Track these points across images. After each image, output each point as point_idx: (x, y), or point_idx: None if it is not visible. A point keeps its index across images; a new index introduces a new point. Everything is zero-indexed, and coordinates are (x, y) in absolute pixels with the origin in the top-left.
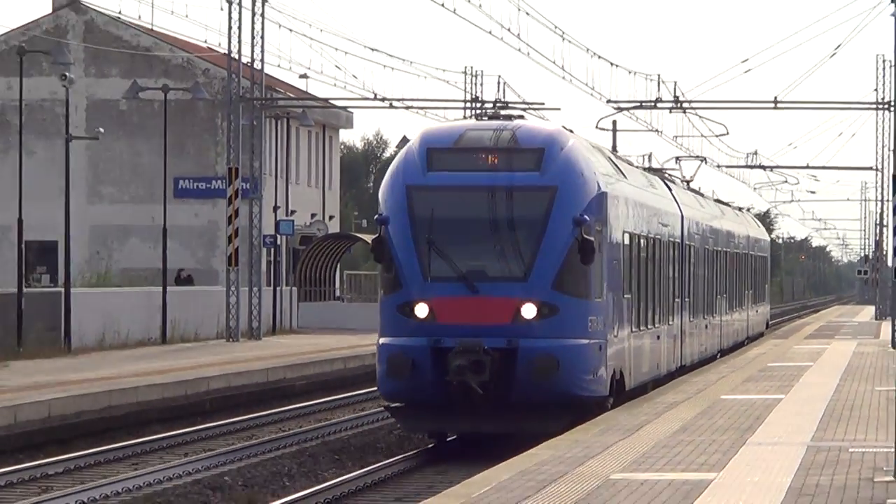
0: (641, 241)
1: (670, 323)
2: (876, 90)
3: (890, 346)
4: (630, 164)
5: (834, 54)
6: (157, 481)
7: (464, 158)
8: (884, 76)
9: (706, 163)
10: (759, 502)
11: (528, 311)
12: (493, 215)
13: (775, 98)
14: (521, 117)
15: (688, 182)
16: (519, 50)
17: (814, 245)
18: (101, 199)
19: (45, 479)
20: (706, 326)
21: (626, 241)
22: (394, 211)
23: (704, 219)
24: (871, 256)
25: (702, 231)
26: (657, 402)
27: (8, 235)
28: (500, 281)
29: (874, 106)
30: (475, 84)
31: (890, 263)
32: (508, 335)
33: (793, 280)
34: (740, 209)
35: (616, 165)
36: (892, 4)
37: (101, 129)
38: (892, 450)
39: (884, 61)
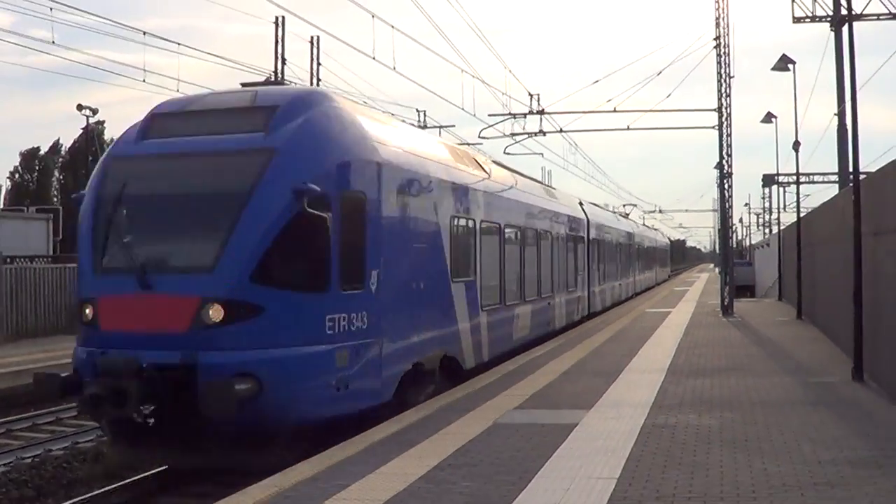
0: (480, 225)
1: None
2: (718, 111)
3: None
4: (505, 167)
5: (660, 73)
6: None
7: (184, 123)
8: (721, 100)
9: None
10: None
11: (213, 313)
12: (187, 189)
13: (628, 126)
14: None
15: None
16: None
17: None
18: None
19: None
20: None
21: (458, 225)
22: (89, 188)
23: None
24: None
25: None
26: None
27: None
28: (180, 273)
29: (712, 127)
30: None
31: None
32: (184, 347)
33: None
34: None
35: (450, 152)
36: (714, 40)
37: None
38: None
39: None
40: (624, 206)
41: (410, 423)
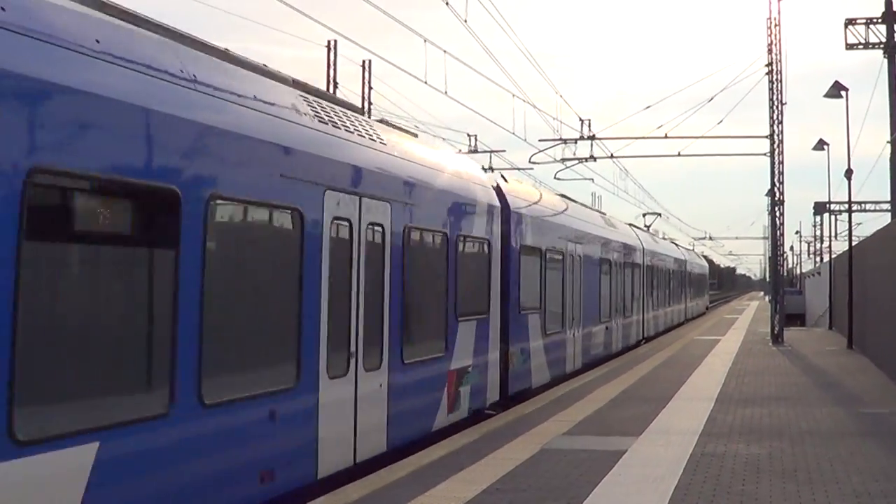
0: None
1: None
2: (770, 138)
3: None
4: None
5: (712, 99)
6: None
7: None
8: (773, 126)
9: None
10: None
11: None
12: None
13: (679, 152)
14: None
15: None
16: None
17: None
18: None
19: None
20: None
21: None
22: None
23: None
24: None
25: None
26: None
27: None
28: None
29: (764, 154)
30: None
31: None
32: None
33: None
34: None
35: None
36: (766, 66)
37: None
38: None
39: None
40: (645, 215)
41: (459, 448)
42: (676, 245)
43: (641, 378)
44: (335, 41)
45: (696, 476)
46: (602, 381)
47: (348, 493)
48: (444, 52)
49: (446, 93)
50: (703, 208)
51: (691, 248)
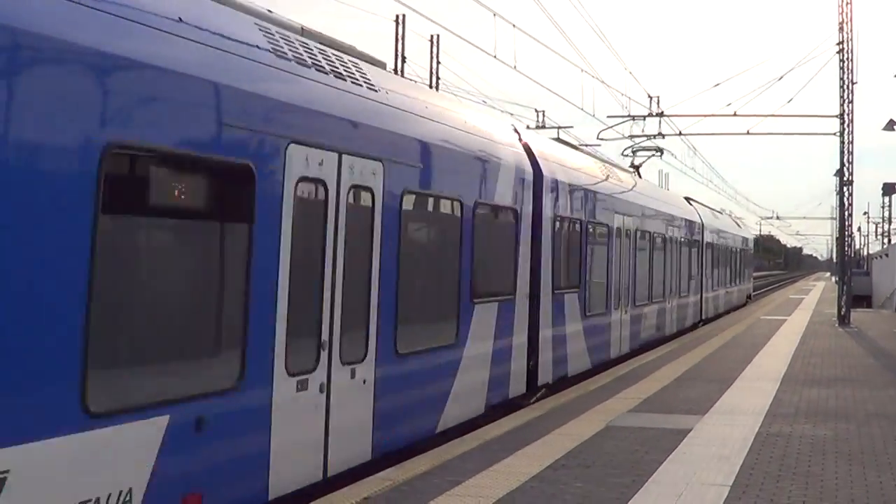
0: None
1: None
2: (839, 118)
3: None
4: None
5: (782, 77)
6: None
7: None
8: (843, 106)
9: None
10: None
11: None
12: None
13: (748, 130)
14: None
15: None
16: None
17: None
18: None
19: None
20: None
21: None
22: None
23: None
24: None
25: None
26: None
27: None
28: None
29: (833, 133)
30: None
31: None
32: None
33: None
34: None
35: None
36: (837, 45)
37: None
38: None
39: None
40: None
41: (523, 423)
42: (737, 223)
43: (706, 358)
44: (403, 15)
45: (762, 456)
46: (666, 360)
47: (417, 464)
48: (514, 26)
49: (515, 68)
50: (771, 188)
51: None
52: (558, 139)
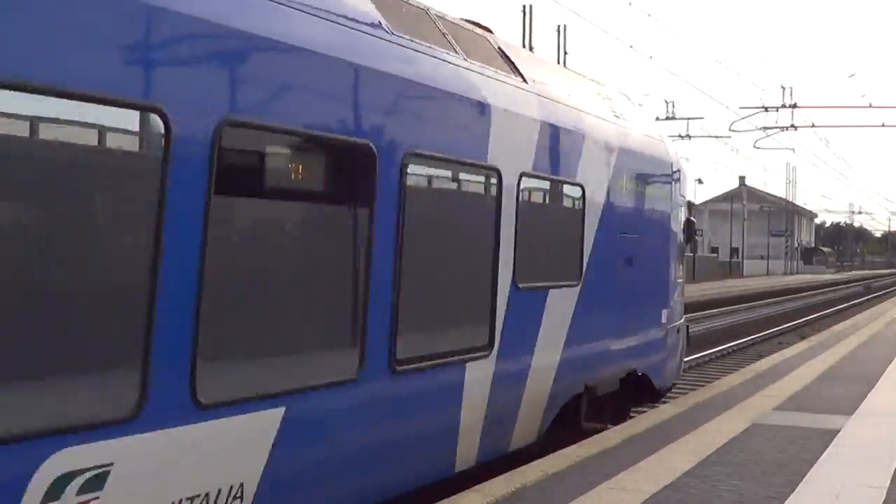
0: None
1: None
2: None
3: None
4: None
5: None
6: None
7: None
8: None
9: None
10: None
11: None
12: None
13: (882, 123)
14: None
15: None
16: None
17: None
18: None
19: None
20: None
21: None
22: None
23: None
24: None
25: None
26: None
27: None
28: None
29: None
30: None
31: None
32: None
33: None
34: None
35: None
36: None
37: None
38: None
39: None
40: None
41: (668, 418)
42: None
43: (844, 357)
44: (530, 6)
45: None
46: (805, 358)
47: (568, 455)
48: (648, 15)
49: (651, 57)
50: None
51: None
52: None
